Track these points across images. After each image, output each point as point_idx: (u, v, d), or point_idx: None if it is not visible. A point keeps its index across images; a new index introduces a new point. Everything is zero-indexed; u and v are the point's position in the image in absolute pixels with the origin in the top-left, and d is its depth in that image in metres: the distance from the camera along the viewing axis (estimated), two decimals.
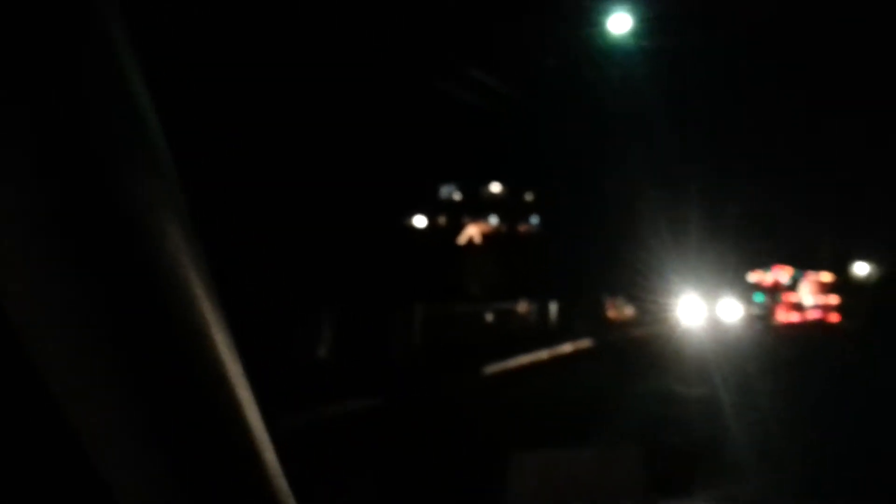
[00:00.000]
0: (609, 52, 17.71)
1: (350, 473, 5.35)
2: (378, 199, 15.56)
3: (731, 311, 33.75)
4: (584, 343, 20.95)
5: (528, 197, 34.45)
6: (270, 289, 10.80)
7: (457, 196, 35.32)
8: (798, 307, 37.68)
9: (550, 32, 18.10)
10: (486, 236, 33.97)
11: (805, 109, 28.17)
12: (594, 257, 24.69)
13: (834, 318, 37.63)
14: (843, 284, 38.99)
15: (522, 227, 34.23)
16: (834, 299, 38.56)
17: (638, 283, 27.35)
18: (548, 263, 25.12)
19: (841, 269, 41.90)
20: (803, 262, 38.50)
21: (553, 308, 25.30)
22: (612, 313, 32.44)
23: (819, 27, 19.50)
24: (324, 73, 12.25)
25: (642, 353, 18.70)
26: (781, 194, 35.61)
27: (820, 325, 35.84)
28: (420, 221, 28.59)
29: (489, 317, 21.36)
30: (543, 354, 17.16)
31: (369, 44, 13.16)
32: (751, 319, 34.82)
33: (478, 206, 34.80)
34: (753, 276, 38.50)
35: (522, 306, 24.88)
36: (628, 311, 33.82)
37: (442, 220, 32.68)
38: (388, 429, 8.02)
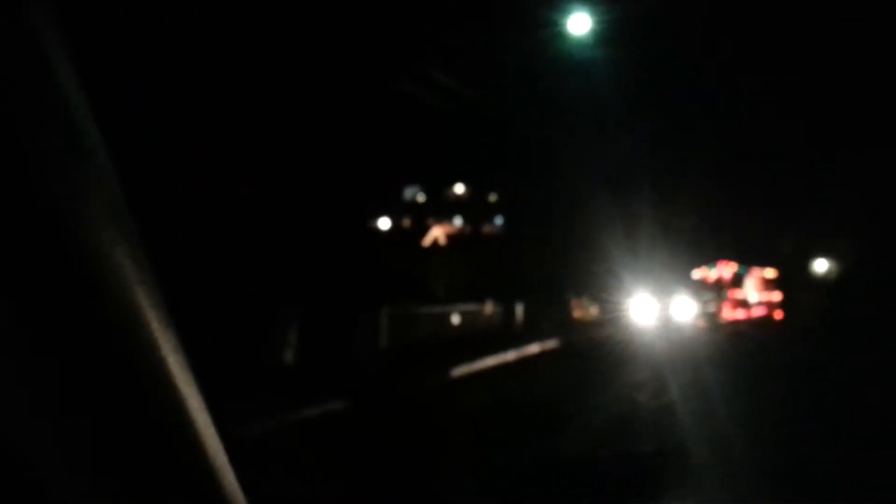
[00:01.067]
0: (569, 53, 17.82)
1: (314, 477, 5.30)
2: (342, 202, 15.48)
3: (683, 309, 34.10)
4: (551, 344, 21.05)
5: (492, 198, 34.59)
6: (235, 293, 10.69)
7: (421, 198, 35.36)
8: (743, 304, 37.31)
9: (512, 34, 18.16)
10: (451, 237, 34.06)
11: (760, 107, 28.64)
12: (558, 257, 24.84)
13: (778, 315, 37.58)
14: (789, 280, 38.97)
15: (487, 228, 34.35)
16: (777, 296, 38.51)
17: (601, 282, 27.61)
18: (512, 264, 25.21)
19: (800, 266, 42.50)
20: (748, 258, 38.19)
21: (519, 309, 25.38)
22: (577, 313, 32.64)
23: (774, 26, 19.81)
24: (287, 75, 12.16)
25: (605, 354, 18.86)
26: (735, 191, 36.24)
27: (764, 322, 35.67)
28: (384, 223, 28.56)
29: (455, 318, 21.36)
30: (510, 356, 17.19)
31: (333, 46, 13.09)
32: (699, 318, 34.55)
33: (442, 208, 34.88)
34: (698, 273, 38.27)
35: (488, 307, 24.93)
36: (593, 310, 34.06)
37: (406, 221, 32.70)
38: (354, 432, 7.98)
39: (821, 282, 42.53)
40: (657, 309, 31.08)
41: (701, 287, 36.86)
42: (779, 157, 32.03)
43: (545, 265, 24.30)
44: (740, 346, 22.18)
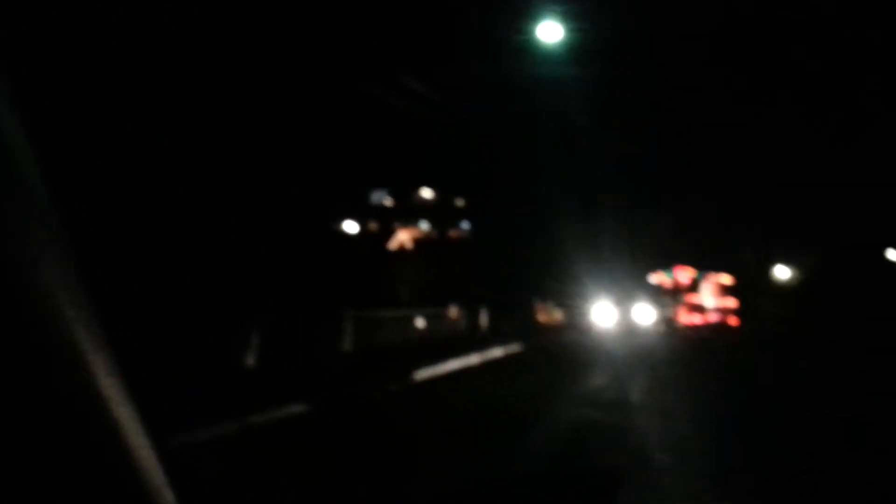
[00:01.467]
0: (538, 61, 17.92)
1: (262, 483, 5.29)
2: (308, 205, 15.44)
3: (643, 314, 34.28)
4: (515, 348, 21.14)
5: (459, 202, 34.64)
6: (198, 297, 10.61)
7: (388, 201, 35.30)
8: (700, 309, 37.29)
9: (482, 40, 18.23)
10: (418, 241, 34.06)
11: (723, 117, 29.05)
12: (524, 262, 24.96)
13: (733, 321, 37.55)
14: (746, 287, 38.93)
15: (453, 233, 34.38)
16: (732, 302, 38.37)
17: (565, 287, 27.79)
18: (478, 268, 25.28)
19: (760, 273, 43.01)
20: (706, 264, 38.27)
21: (484, 313, 25.46)
22: (542, 317, 32.82)
23: (739, 37, 20.11)
24: (252, 77, 12.11)
25: (568, 357, 19.01)
26: (696, 199, 36.69)
27: (720, 328, 35.67)
28: (351, 227, 28.44)
29: (420, 322, 21.37)
30: (474, 359, 17.25)
31: (301, 49, 13.06)
32: (658, 323, 34.83)
33: (409, 212, 34.86)
34: (655, 278, 38.18)
35: (453, 311, 24.97)
36: (558, 315, 34.26)
37: (373, 225, 32.60)
38: (312, 437, 7.96)
39: (781, 288, 43.12)
40: (618, 314, 31.48)
41: (658, 292, 36.95)
42: (740, 165, 32.47)
43: (510, 270, 24.40)
44: (696, 351, 22.46)
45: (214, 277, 11.08)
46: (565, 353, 20.65)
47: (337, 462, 6.42)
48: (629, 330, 30.32)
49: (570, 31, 17.36)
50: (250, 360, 11.87)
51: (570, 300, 31.12)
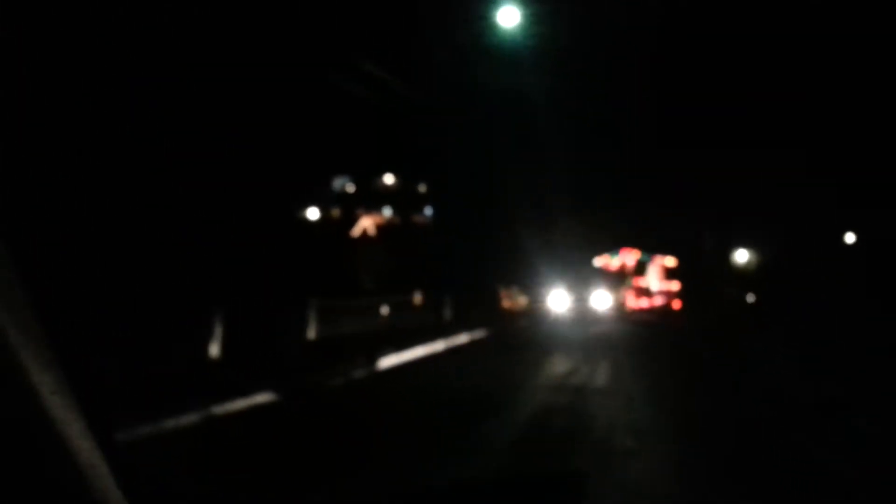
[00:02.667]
0: (497, 46, 17.93)
1: (219, 474, 5.27)
2: (269, 192, 15.32)
3: (598, 300, 34.32)
4: (479, 333, 21.23)
5: (422, 188, 34.62)
6: (158, 287, 10.50)
7: (350, 188, 35.15)
8: (646, 292, 36.56)
9: (442, 26, 18.19)
10: (381, 228, 33.97)
11: (680, 103, 29.37)
12: (487, 248, 25.02)
13: (676, 304, 36.94)
14: (689, 269, 38.27)
15: (417, 219, 34.37)
16: (676, 285, 37.68)
17: (527, 273, 27.92)
18: (441, 254, 25.29)
19: (722, 257, 43.43)
20: (652, 246, 37.43)
21: (448, 299, 25.49)
22: (506, 303, 32.94)
23: (700, 27, 20.31)
24: (216, 65, 11.97)
25: (529, 342, 19.15)
26: (649, 181, 36.93)
27: (664, 311, 35.14)
28: (313, 213, 28.29)
29: (385, 309, 21.33)
30: (439, 346, 17.29)
31: (261, 37, 12.92)
32: (611, 308, 34.18)
33: (371, 198, 34.77)
34: (599, 261, 37.09)
35: (417, 298, 24.98)
36: (522, 300, 34.42)
37: (336, 212, 32.47)
38: (275, 427, 7.94)
39: (741, 272, 43.64)
40: (574, 300, 31.61)
41: (603, 275, 35.99)
42: (696, 149, 32.80)
43: (473, 255, 24.45)
44: (643, 335, 22.74)
45: (176, 267, 10.96)
46: (526, 338, 20.81)
47: (296, 454, 6.40)
48: (583, 316, 30.46)
49: (530, 14, 17.39)
50: (213, 350, 11.77)
51: (531, 286, 31.28)
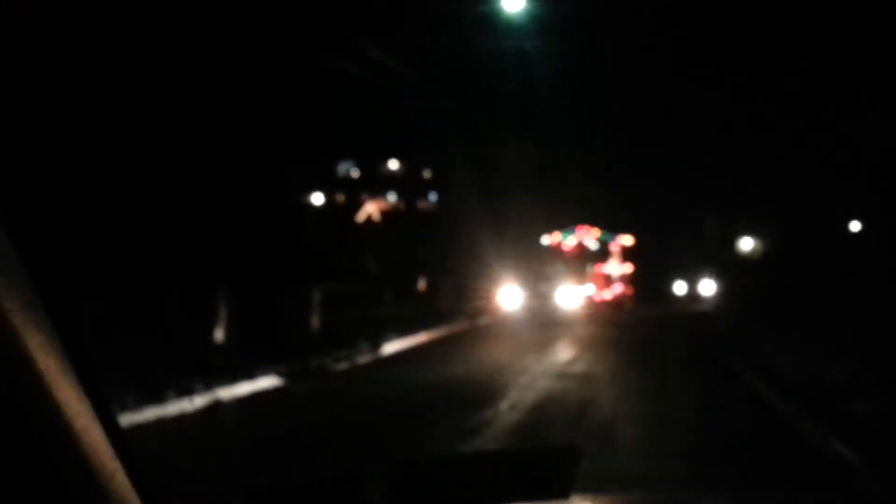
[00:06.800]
0: (502, 29, 17.89)
1: (222, 459, 5.33)
2: (273, 177, 15.34)
3: (568, 293, 27.77)
4: (482, 321, 21.32)
5: (427, 174, 34.60)
6: (164, 272, 10.56)
7: (355, 173, 35.13)
8: (608, 280, 28.83)
9: (448, 10, 18.14)
10: (385, 213, 33.98)
11: (675, 87, 29.25)
12: (485, 236, 24.78)
13: (628, 290, 29.91)
14: (650, 250, 31.76)
15: (422, 204, 34.37)
16: (630, 268, 30.14)
17: (522, 262, 27.56)
18: (445, 241, 25.25)
19: (728, 244, 42.96)
20: (612, 225, 30.05)
21: (451, 285, 25.51)
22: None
23: (696, 17, 20.25)
24: (217, 48, 11.97)
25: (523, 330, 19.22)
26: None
27: (619, 300, 28.50)
28: (318, 198, 28.31)
29: (389, 295, 21.40)
30: (441, 332, 17.39)
31: (268, 20, 12.91)
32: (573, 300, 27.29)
33: (376, 184, 34.74)
34: (547, 239, 29.22)
35: (422, 284, 25.03)
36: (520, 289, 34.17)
37: (340, 197, 32.46)
38: (279, 412, 8.02)
39: (746, 260, 43.41)
40: (535, 295, 27.41)
41: (553, 257, 28.44)
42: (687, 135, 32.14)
43: (473, 243, 24.32)
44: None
45: (181, 251, 11.02)
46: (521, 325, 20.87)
47: (301, 438, 6.47)
48: (543, 312, 25.04)
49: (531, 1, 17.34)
50: (219, 335, 11.84)
51: (526, 274, 29.52)
